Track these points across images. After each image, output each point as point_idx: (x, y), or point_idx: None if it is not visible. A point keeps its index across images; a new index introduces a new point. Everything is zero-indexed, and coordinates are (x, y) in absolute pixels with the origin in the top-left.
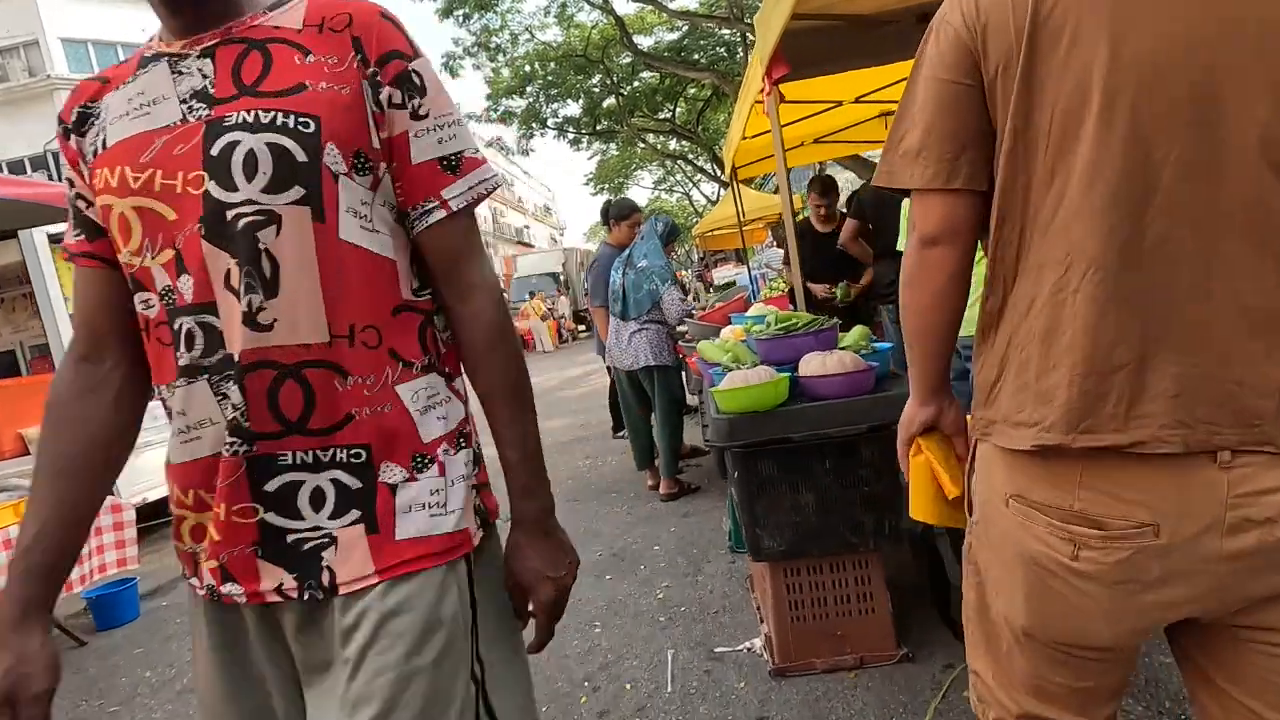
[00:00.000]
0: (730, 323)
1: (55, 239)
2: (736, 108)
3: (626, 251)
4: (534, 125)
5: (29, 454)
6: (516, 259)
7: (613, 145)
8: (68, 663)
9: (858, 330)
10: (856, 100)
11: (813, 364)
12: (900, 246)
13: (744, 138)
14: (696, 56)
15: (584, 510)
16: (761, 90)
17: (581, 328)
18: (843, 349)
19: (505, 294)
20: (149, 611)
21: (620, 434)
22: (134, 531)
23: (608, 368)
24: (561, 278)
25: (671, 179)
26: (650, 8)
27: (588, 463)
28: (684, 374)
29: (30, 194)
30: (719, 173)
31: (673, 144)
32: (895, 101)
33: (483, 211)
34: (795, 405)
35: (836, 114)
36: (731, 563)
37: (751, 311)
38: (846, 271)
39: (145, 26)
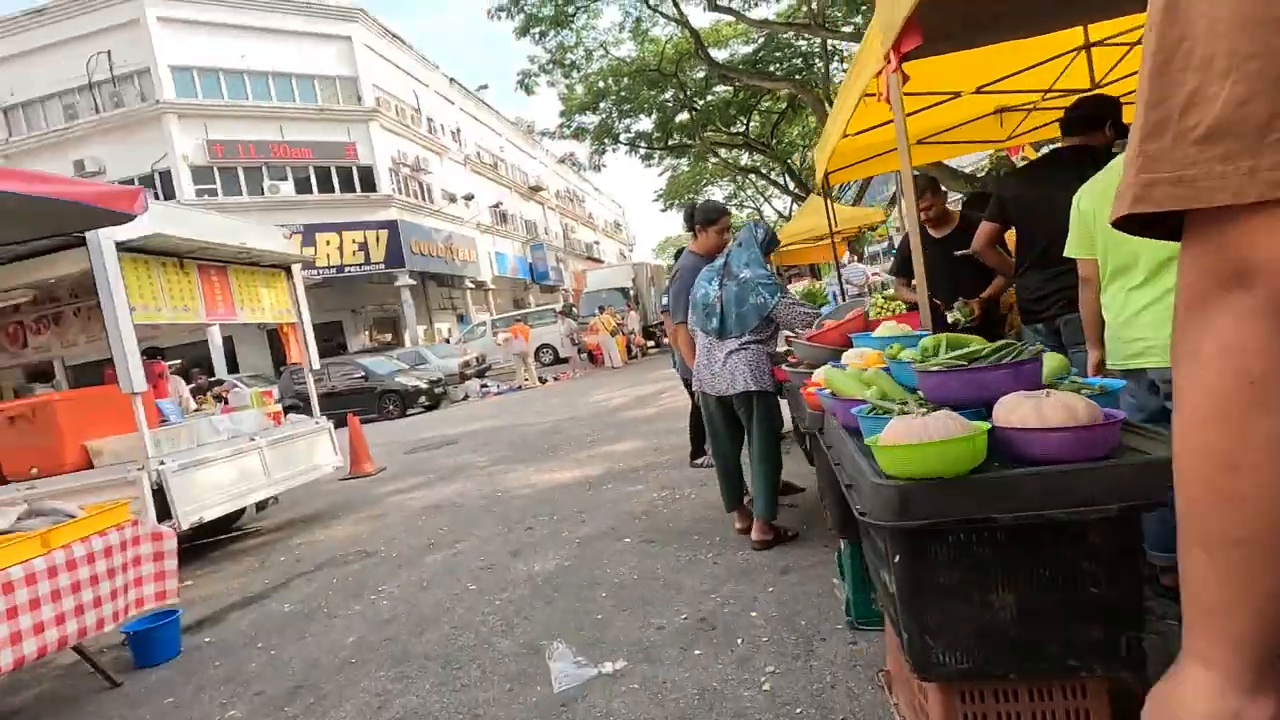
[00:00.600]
0: (850, 344)
1: (123, 246)
2: (839, 100)
3: (721, 261)
4: (606, 141)
5: (92, 467)
6: (586, 274)
7: (684, 160)
8: (91, 712)
9: (1053, 360)
10: (977, 91)
11: (1022, 411)
12: (1074, 253)
13: (845, 135)
14: (773, 68)
15: (662, 557)
16: (878, 72)
17: (651, 343)
18: (1048, 386)
19: (574, 308)
20: (190, 649)
21: (699, 462)
22: (175, 562)
23: (690, 390)
24: (631, 292)
25: (743, 194)
26: (728, 19)
27: (663, 495)
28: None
29: (92, 194)
30: (792, 186)
31: (744, 158)
32: (1022, 93)
33: (554, 227)
34: (998, 471)
35: (945, 110)
36: (853, 643)
37: (882, 331)
38: (964, 284)
39: (245, 54)
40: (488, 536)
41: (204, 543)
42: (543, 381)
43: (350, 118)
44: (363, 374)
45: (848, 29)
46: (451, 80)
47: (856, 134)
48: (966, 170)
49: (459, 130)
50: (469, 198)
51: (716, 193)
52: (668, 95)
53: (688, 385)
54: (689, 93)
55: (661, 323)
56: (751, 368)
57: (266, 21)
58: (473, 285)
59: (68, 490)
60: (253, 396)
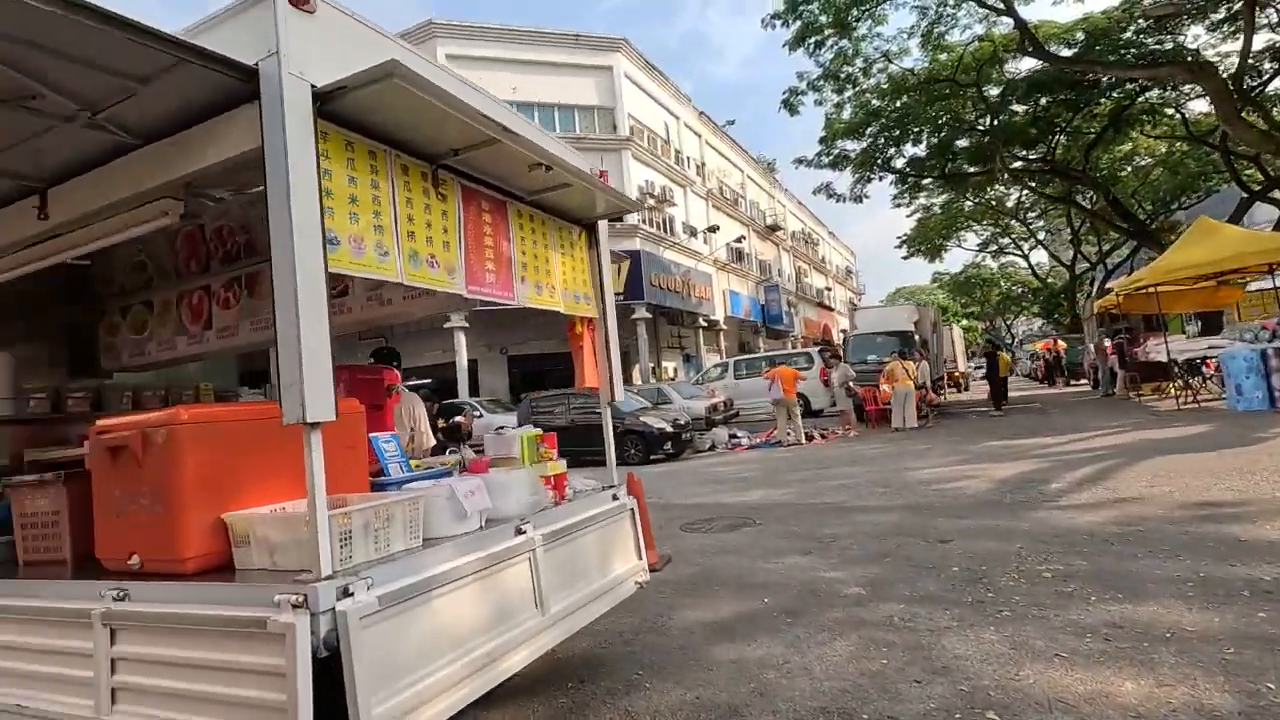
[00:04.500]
0: None
1: (326, 101)
2: None
3: None
4: (873, 169)
5: (229, 571)
6: (855, 314)
7: (939, 200)
8: None
9: None
10: None
11: None
12: None
13: None
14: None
15: None
16: None
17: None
18: None
19: (829, 354)
20: None
21: None
22: None
23: None
24: (916, 338)
25: (1003, 239)
26: (1049, 17)
27: None
28: None
29: None
30: (1113, 218)
31: (1010, 195)
32: None
33: (787, 269)
34: None
35: None
36: None
37: None
38: None
39: (516, 86)
40: None
41: None
42: (809, 439)
43: (605, 146)
44: None
45: None
46: (701, 113)
47: None
48: None
49: (703, 164)
50: (714, 229)
51: (972, 239)
52: (945, 119)
53: None
54: (982, 108)
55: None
56: None
57: (536, 55)
58: (705, 324)
59: (155, 624)
60: (524, 442)
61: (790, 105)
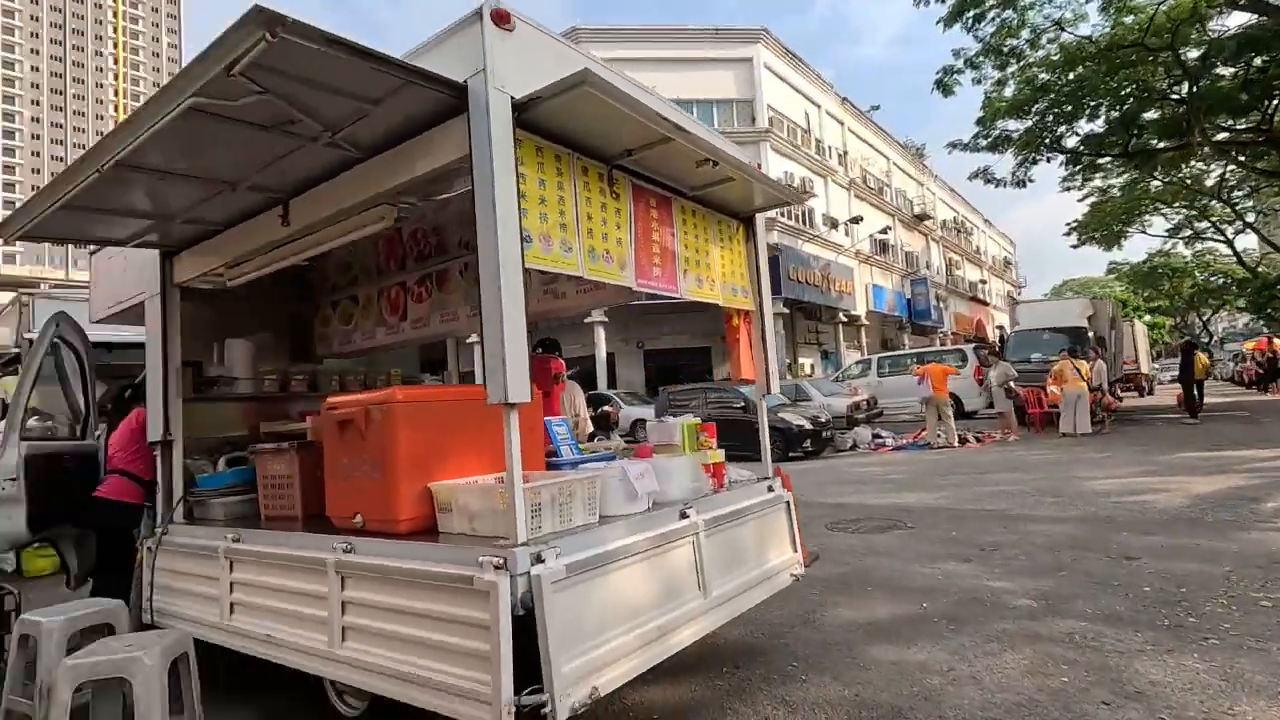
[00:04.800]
0: None
1: (524, 111)
2: None
3: None
4: (1040, 150)
5: (433, 534)
6: (1016, 308)
7: (1118, 181)
8: None
9: None
10: None
11: None
12: None
13: None
14: None
15: None
16: None
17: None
18: None
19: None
20: None
21: None
22: None
23: None
24: (1090, 334)
25: (1200, 222)
26: None
27: None
28: None
29: None
30: None
31: (1211, 171)
32: None
33: (936, 261)
34: None
35: None
36: None
37: None
38: None
39: (656, 84)
40: None
41: None
42: (963, 442)
43: (744, 139)
44: (742, 404)
45: None
46: (844, 99)
47: None
48: None
49: (845, 152)
50: (856, 221)
51: (1159, 223)
52: (1129, 89)
53: None
54: (1176, 75)
55: (1125, 379)
56: None
57: (675, 52)
58: (845, 319)
59: (376, 574)
60: (684, 431)
61: (944, 86)
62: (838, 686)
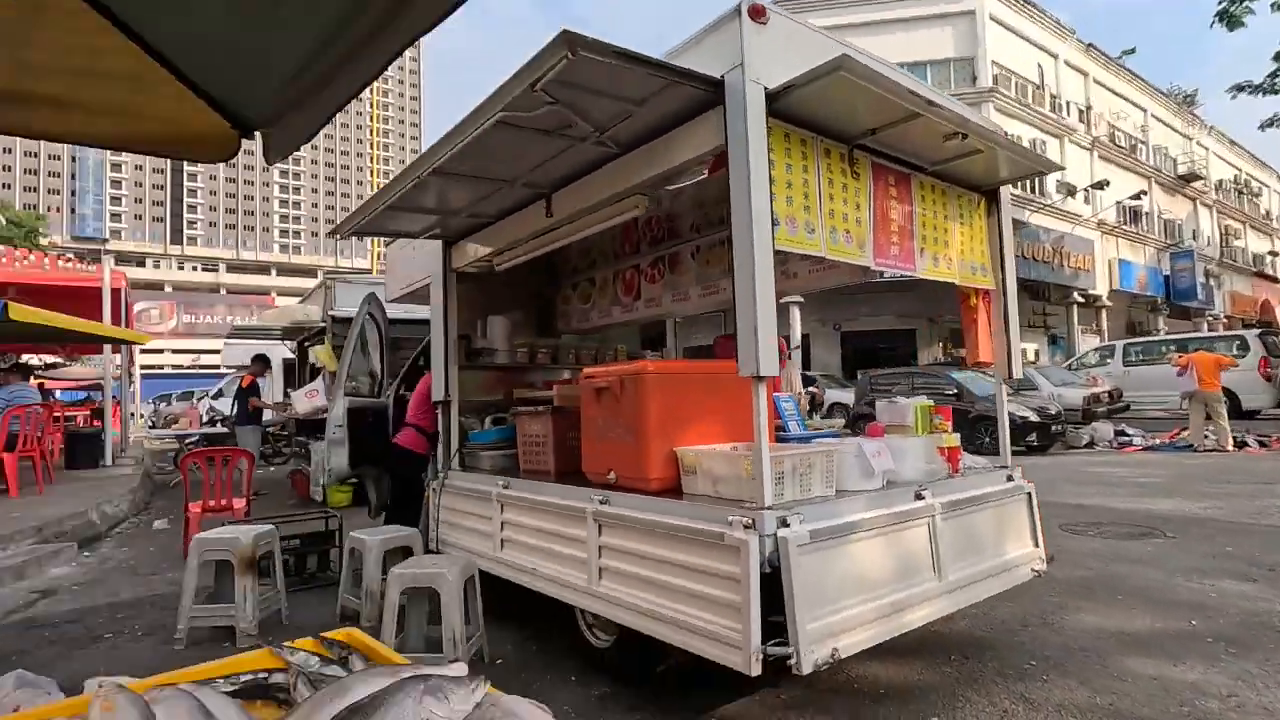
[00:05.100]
0: None
1: (777, 100)
2: None
3: None
4: None
5: (678, 494)
6: None
7: None
8: None
9: None
10: None
11: None
12: None
13: None
14: None
15: None
16: None
17: None
18: None
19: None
20: None
21: None
22: None
23: None
24: None
25: None
26: None
27: None
28: None
29: None
30: None
31: None
32: None
33: (1205, 229)
34: None
35: None
36: None
37: None
38: None
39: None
40: None
41: None
42: (1239, 445)
43: (963, 100)
44: (955, 391)
45: None
46: (1089, 46)
47: None
48: None
49: (1089, 108)
50: (1100, 186)
51: None
52: None
53: None
54: None
55: None
56: None
57: (885, 14)
58: (1081, 300)
59: (630, 525)
60: (917, 412)
61: (1230, 17)
62: (1086, 692)
